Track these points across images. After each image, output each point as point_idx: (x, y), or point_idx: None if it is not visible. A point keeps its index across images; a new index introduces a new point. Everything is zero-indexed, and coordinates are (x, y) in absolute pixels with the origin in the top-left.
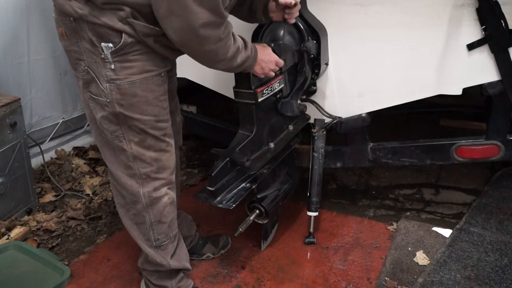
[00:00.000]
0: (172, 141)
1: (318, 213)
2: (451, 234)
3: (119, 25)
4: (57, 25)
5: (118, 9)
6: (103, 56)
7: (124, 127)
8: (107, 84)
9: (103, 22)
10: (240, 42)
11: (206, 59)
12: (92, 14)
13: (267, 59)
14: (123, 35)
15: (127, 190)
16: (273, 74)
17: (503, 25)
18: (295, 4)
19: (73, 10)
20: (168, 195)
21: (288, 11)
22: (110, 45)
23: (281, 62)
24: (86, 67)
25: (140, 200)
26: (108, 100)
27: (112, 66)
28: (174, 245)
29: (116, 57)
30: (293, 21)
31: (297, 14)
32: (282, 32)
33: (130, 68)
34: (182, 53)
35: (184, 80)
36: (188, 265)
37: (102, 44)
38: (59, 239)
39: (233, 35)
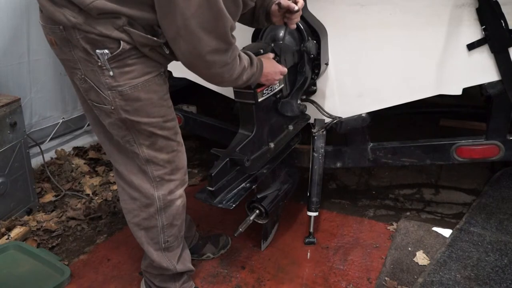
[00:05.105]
0: (182, 140)
1: (318, 213)
2: (451, 234)
3: (115, 33)
4: (45, 33)
5: (114, 17)
6: (100, 63)
7: (133, 131)
8: (109, 92)
9: (98, 31)
10: (246, 60)
11: (212, 80)
12: (87, 23)
13: (272, 71)
14: (121, 42)
15: (141, 193)
16: (277, 82)
17: (503, 25)
18: (297, 11)
19: (66, 19)
20: (181, 198)
21: (288, 15)
22: (106, 51)
23: (285, 70)
24: (83, 76)
25: (154, 203)
26: (112, 108)
27: (111, 73)
28: (180, 247)
29: (114, 63)
30: (294, 26)
31: (297, 20)
32: (283, 32)
33: (130, 73)
34: (174, 60)
35: (184, 80)
36: (192, 267)
37: (97, 51)
38: (59, 239)
39: (239, 56)
